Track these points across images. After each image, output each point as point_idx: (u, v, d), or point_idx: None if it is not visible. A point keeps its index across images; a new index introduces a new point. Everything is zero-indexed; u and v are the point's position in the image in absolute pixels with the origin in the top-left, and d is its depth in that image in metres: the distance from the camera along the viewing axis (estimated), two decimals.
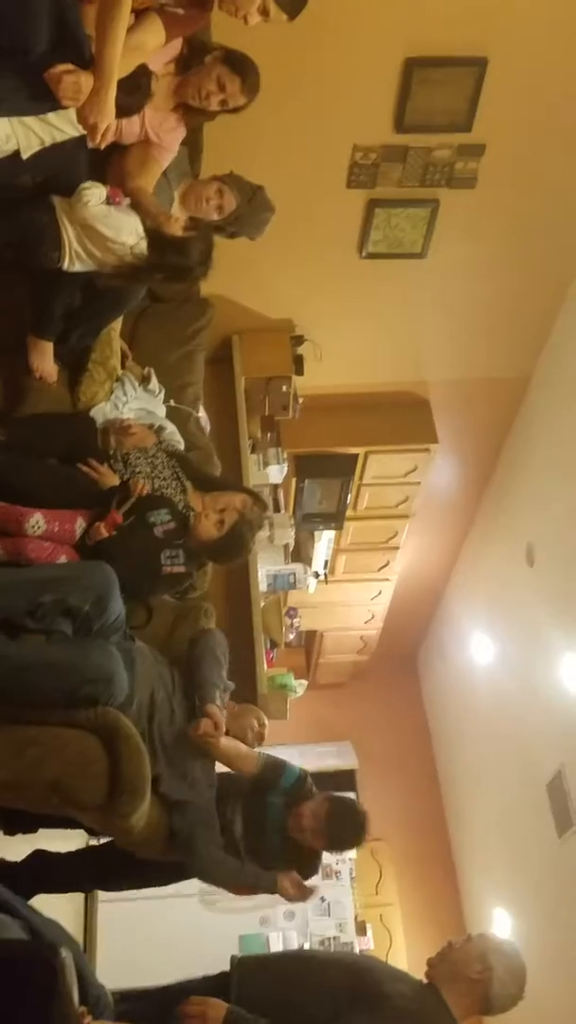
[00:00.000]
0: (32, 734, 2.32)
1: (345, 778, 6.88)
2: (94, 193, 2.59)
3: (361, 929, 5.55)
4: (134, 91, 2.45)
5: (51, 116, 2.32)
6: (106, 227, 2.59)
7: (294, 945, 4.99)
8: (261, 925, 4.95)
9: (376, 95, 3.72)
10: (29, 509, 2.48)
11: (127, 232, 2.63)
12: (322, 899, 5.22)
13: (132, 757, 2.34)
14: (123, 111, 2.42)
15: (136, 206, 2.76)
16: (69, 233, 2.58)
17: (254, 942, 4.90)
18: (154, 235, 2.67)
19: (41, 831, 2.90)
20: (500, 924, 6.12)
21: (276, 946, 4.92)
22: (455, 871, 7.12)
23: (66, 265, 2.62)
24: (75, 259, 2.63)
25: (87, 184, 2.59)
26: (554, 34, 3.55)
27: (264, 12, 2.32)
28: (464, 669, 6.77)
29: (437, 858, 7.10)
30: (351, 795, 6.73)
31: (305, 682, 4.59)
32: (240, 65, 2.72)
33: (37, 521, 2.47)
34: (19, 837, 2.86)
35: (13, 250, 2.63)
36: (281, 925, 5.02)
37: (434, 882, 6.96)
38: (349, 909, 5.29)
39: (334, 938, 5.29)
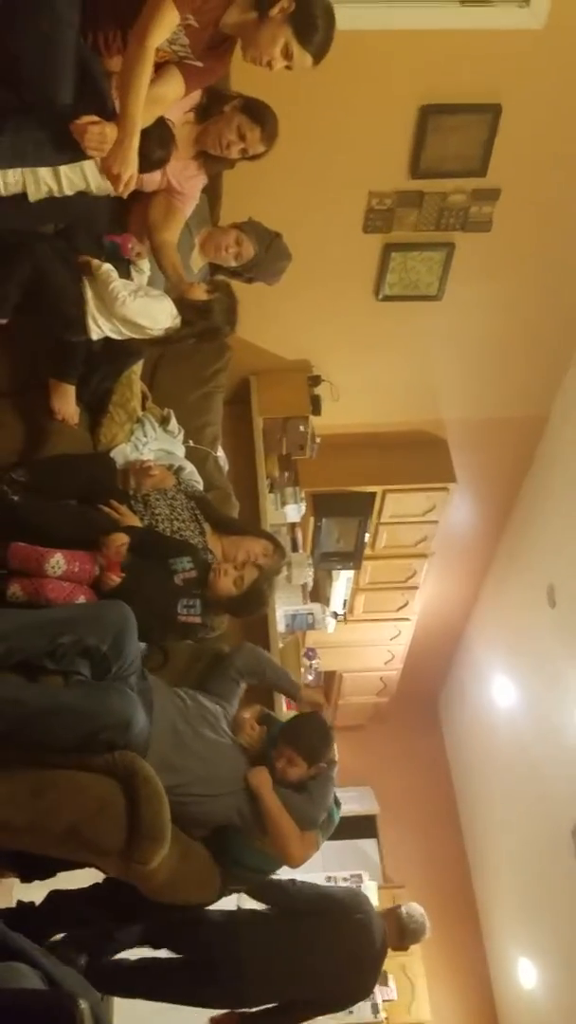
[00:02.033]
0: (50, 778, 2.29)
1: (365, 823, 6.77)
2: (116, 279, 2.65)
3: (383, 979, 5.40)
4: (157, 148, 2.51)
5: (65, 169, 2.38)
6: (145, 318, 2.67)
7: None
8: None
9: (391, 142, 3.79)
10: (49, 549, 2.48)
11: (164, 317, 2.72)
12: None
13: (151, 801, 2.31)
14: (147, 165, 2.49)
15: (159, 260, 2.82)
16: (98, 320, 2.66)
17: None
18: (178, 305, 2.75)
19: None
20: (525, 974, 5.95)
21: None
22: (478, 919, 6.95)
23: (94, 338, 2.70)
24: (101, 333, 2.71)
25: (101, 268, 2.65)
26: (566, 80, 3.61)
27: (288, 56, 2.36)
28: (485, 712, 6.68)
29: (460, 905, 6.93)
30: (372, 841, 6.67)
31: None
32: (260, 114, 2.77)
33: (57, 561, 2.47)
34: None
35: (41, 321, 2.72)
36: None
37: (457, 930, 6.79)
38: None
39: None
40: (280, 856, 2.72)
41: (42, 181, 2.38)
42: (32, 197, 2.39)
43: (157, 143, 2.49)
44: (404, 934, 3.14)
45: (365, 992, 3.17)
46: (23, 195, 2.38)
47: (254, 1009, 2.99)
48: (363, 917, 3.06)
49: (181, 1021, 3.07)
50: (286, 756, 2.77)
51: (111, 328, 2.68)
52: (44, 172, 2.36)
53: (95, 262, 2.65)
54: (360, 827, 6.60)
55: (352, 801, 6.58)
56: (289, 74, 2.60)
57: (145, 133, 2.39)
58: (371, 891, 5.26)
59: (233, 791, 2.68)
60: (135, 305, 2.64)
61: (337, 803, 2.92)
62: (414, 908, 3.20)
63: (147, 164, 2.52)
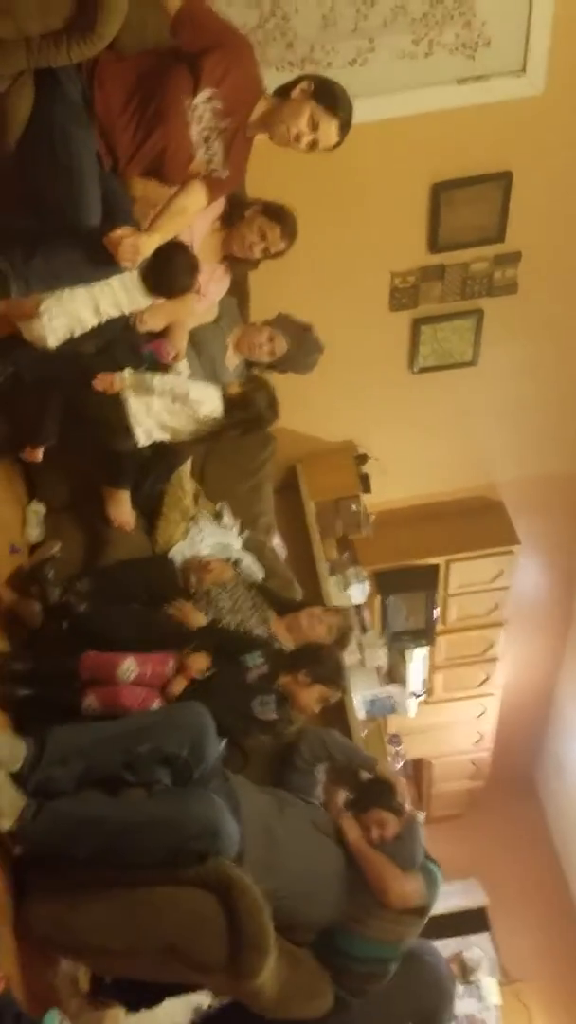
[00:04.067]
0: (142, 896, 2.21)
1: (476, 918, 6.34)
2: (146, 374, 2.75)
3: None
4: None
5: (104, 305, 2.49)
6: (194, 393, 2.76)
7: None
8: None
9: (407, 223, 3.86)
10: (120, 654, 2.47)
11: (210, 395, 2.81)
12: None
13: (251, 912, 2.20)
14: (176, 292, 2.61)
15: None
16: (142, 423, 2.73)
17: None
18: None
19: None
20: None
21: None
22: None
23: (142, 443, 2.77)
24: (149, 437, 2.78)
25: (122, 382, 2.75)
26: (572, 138, 3.67)
27: (315, 127, 2.43)
28: None
29: None
30: (485, 935, 6.26)
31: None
32: (278, 214, 2.92)
33: (129, 666, 2.46)
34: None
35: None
36: None
37: None
38: None
39: None
40: (382, 898, 2.56)
41: (87, 322, 2.50)
42: (76, 335, 2.50)
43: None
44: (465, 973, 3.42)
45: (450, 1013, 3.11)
46: None
47: None
48: (433, 957, 3.02)
49: None
50: (375, 819, 2.68)
51: (154, 425, 2.72)
52: (86, 315, 2.48)
53: (115, 382, 2.71)
54: (470, 922, 6.21)
55: (457, 895, 6.20)
56: (303, 171, 2.70)
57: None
58: (491, 988, 4.90)
59: (334, 884, 2.56)
60: (175, 381, 2.72)
61: (434, 860, 2.78)
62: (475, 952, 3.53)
63: (175, 291, 2.62)
